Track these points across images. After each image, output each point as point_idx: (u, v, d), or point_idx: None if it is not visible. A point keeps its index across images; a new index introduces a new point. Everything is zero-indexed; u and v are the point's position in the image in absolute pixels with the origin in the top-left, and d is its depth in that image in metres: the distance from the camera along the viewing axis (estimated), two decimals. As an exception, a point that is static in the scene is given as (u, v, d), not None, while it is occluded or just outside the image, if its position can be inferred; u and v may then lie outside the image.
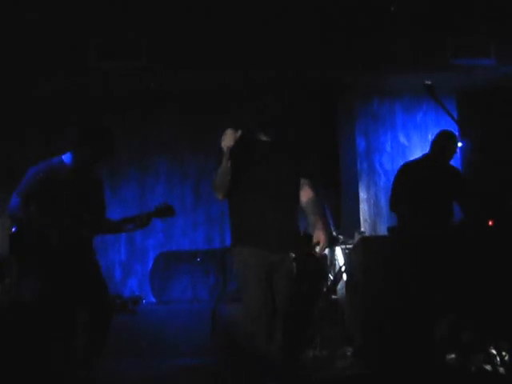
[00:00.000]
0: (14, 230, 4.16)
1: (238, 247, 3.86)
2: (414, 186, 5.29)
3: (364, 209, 7.34)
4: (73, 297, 4.10)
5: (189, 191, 7.50)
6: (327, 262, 6.03)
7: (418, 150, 7.20)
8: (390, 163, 7.44)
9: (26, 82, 6.43)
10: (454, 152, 5.39)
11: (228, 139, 3.70)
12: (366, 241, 5.44)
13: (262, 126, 3.95)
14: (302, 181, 4.04)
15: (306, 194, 4.04)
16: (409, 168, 5.51)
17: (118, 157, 6.83)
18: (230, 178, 3.82)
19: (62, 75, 6.26)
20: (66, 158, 4.24)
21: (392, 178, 5.62)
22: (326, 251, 6.06)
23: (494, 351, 4.58)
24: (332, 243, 5.75)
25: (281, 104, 3.95)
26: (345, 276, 5.78)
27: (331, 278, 5.89)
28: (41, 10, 5.92)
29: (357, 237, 5.96)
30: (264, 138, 3.96)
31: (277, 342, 3.73)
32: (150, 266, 7.24)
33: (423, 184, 5.29)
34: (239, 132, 3.71)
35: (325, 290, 5.72)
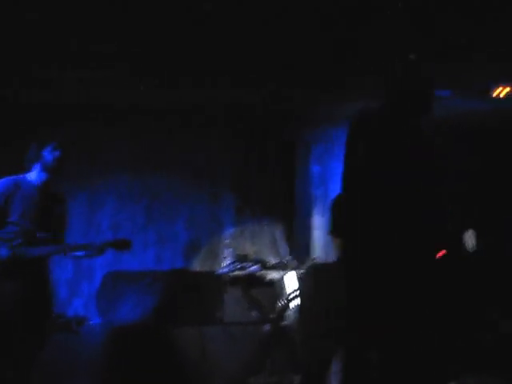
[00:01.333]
0: None
1: None
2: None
3: (317, 235, 7.31)
4: (15, 315, 4.00)
5: (140, 210, 7.35)
6: (278, 288, 6.04)
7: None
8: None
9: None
10: None
11: None
12: (314, 267, 5.63)
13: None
14: None
15: None
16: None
17: (67, 171, 6.67)
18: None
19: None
20: (29, 176, 4.23)
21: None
22: (278, 276, 6.13)
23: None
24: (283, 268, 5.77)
25: None
26: (297, 301, 5.80)
27: (281, 303, 5.87)
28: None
29: (308, 263, 5.99)
30: None
31: None
32: (97, 285, 7.07)
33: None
34: None
35: (274, 315, 5.71)
